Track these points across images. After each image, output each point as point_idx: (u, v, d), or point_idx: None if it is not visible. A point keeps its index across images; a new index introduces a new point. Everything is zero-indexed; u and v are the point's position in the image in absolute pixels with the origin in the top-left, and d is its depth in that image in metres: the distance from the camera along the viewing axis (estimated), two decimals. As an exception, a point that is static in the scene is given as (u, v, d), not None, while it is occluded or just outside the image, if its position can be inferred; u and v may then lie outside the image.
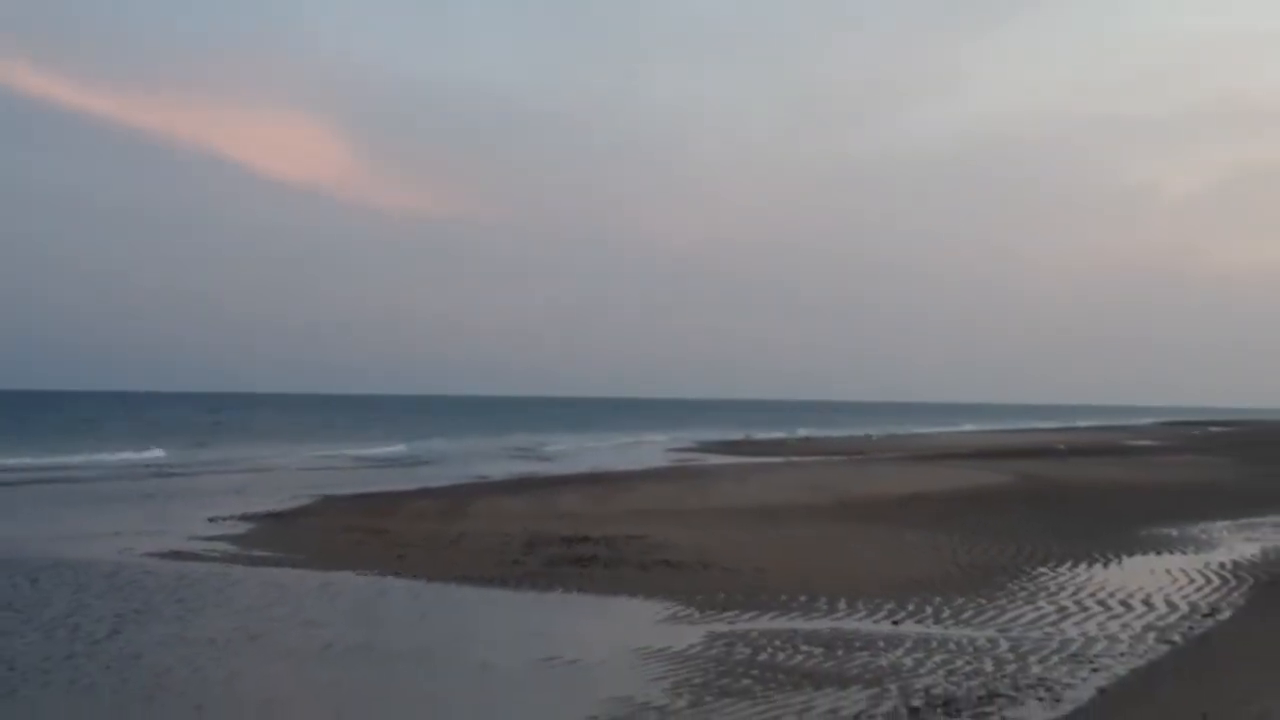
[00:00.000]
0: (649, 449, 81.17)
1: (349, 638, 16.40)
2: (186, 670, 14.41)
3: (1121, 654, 15.60)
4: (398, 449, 76.71)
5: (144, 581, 20.67)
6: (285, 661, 15.12)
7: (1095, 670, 14.59)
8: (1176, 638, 16.74)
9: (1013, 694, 13.26)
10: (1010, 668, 14.61)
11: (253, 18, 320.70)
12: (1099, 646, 16.03)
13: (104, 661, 14.75)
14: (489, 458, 68.52)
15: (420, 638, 16.55)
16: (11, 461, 55.58)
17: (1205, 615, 18.53)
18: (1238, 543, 27.63)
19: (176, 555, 24.00)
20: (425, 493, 40.84)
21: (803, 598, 19.33)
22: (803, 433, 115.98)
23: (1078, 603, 19.42)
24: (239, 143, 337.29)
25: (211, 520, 30.73)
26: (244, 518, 31.35)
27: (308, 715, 13.04)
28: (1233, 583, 21.70)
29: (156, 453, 66.19)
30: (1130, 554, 25.37)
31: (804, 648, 15.63)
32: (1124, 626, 17.50)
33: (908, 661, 14.88)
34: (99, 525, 29.32)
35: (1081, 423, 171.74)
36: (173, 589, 20.01)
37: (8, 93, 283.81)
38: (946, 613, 18.28)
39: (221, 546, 25.59)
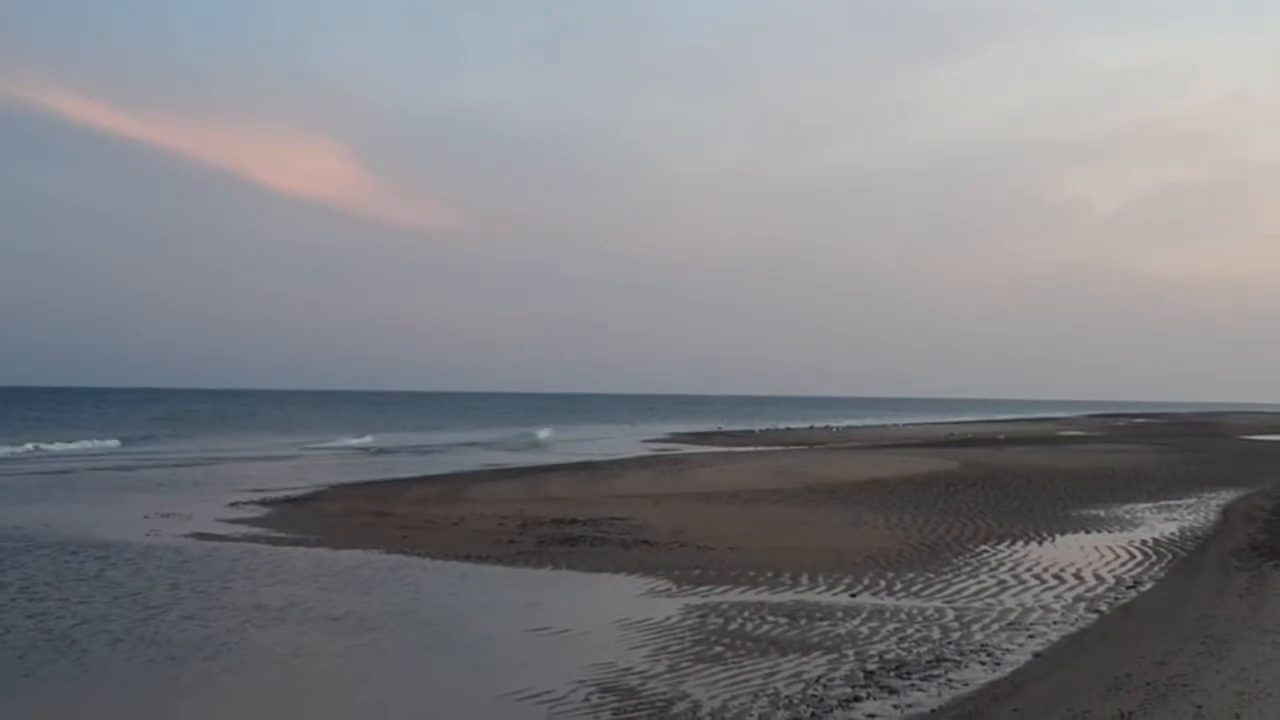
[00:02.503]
0: (627, 440, 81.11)
1: (361, 608, 16.43)
2: (231, 636, 14.51)
3: (1055, 622, 15.74)
4: (396, 439, 76.77)
5: (175, 558, 20.67)
6: (307, 626, 15.17)
7: (1031, 637, 14.72)
8: (1104, 607, 16.89)
9: (958, 659, 13.37)
10: (955, 635, 14.72)
11: (272, 48, 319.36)
12: (1035, 615, 16.17)
13: (164, 626, 14.87)
14: (482, 447, 68.50)
15: (424, 609, 16.58)
16: (55, 448, 55.40)
17: (1129, 587, 18.69)
18: (1158, 522, 27.81)
19: (202, 536, 23.97)
20: (426, 480, 40.79)
21: (769, 573, 19.42)
22: (769, 425, 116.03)
23: (1016, 576, 19.55)
24: (258, 162, 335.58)
25: (232, 504, 30.69)
26: (262, 502, 31.31)
27: (329, 671, 13.10)
28: (1154, 558, 21.87)
29: (183, 444, 66.11)
30: (1062, 532, 25.53)
31: (770, 618, 15.72)
32: (1057, 597, 17.64)
33: (863, 630, 14.99)
34: (130, 509, 29.19)
35: (1018, 415, 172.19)
36: (203, 565, 20.02)
37: (48, 118, 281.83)
38: (899, 585, 18.39)
39: (243, 528, 25.55)
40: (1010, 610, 16.50)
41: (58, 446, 59.45)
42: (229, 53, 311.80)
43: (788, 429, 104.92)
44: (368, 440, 74.55)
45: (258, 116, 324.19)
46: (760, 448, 68.13)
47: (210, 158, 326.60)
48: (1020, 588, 18.43)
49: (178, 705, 11.83)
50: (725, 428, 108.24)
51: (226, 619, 15.68)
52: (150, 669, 13.09)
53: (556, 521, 26.37)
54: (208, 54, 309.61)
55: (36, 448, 57.10)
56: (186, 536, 23.84)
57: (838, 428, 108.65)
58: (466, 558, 21.26)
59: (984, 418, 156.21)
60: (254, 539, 23.70)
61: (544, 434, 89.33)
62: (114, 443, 66.11)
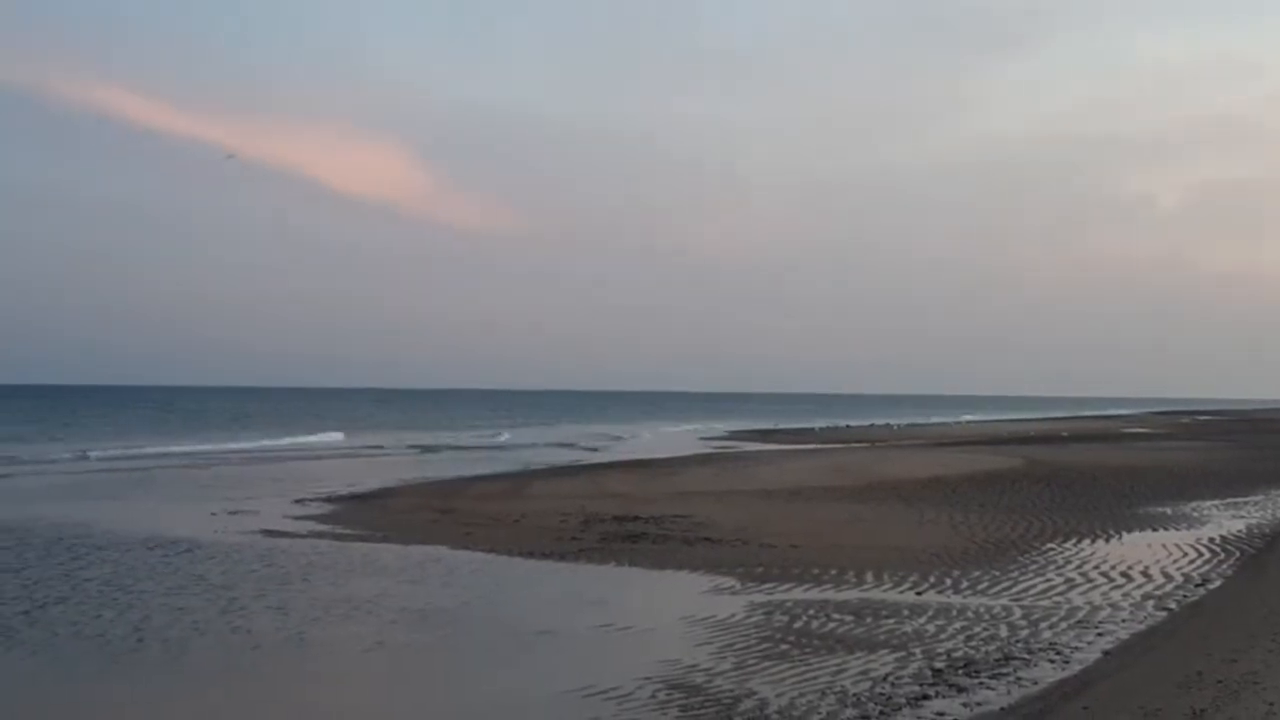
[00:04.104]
0: (686, 437, 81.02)
1: (431, 603, 16.59)
2: (313, 628, 14.72)
3: (1123, 620, 15.56)
4: (462, 437, 77.29)
5: (246, 554, 20.90)
6: (380, 620, 15.34)
7: (1100, 635, 14.56)
8: (1172, 605, 16.69)
9: (1026, 657, 13.24)
10: (1023, 633, 14.58)
11: (330, 50, 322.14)
12: (1103, 613, 15.99)
13: (259, 615, 15.08)
14: (545, 445, 68.67)
15: (490, 604, 16.70)
16: (124, 451, 56.20)
17: (1198, 585, 18.45)
18: (1225, 519, 27.44)
19: (270, 533, 24.19)
20: (489, 477, 40.98)
21: (833, 570, 19.33)
22: (829, 423, 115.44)
23: (1083, 574, 19.34)
24: (314, 161, 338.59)
25: (298, 501, 30.97)
26: (327, 499, 31.58)
27: (405, 662, 13.26)
28: (1221, 555, 21.57)
29: (262, 441, 66.88)
30: (1129, 530, 25.23)
31: (836, 616, 15.65)
32: (1125, 595, 17.44)
33: (930, 628, 14.88)
34: (200, 507, 29.49)
35: (1080, 412, 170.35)
36: (277, 561, 20.25)
37: (116, 121, 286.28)
38: (965, 584, 18.24)
39: (310, 524, 25.80)
40: (1078, 608, 16.31)
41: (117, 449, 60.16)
42: (285, 52, 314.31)
43: (848, 427, 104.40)
44: (334, 438, 74.49)
45: (313, 115, 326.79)
46: (820, 445, 67.83)
47: (267, 156, 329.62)
48: (1088, 586, 18.22)
49: (261, 692, 11.98)
50: (784, 425, 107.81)
51: (307, 612, 15.93)
52: (235, 657, 13.35)
53: (618, 518, 26.39)
54: (264, 53, 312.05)
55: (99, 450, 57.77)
56: (255, 533, 24.09)
57: (899, 425, 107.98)
58: (530, 554, 21.33)
59: (1046, 415, 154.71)
60: (320, 535, 23.94)
61: (603, 432, 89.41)
62: (183, 441, 66.98)
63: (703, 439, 78.69)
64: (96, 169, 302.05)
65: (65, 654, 13.60)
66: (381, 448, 64.40)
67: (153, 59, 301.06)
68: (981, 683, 12.00)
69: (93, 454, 53.59)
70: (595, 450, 63.73)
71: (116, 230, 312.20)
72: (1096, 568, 20.03)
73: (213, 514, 27.67)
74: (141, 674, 12.84)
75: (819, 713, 10.95)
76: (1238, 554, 21.74)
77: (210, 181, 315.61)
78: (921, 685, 11.91)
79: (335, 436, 75.26)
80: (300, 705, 11.81)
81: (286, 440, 69.59)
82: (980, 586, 18.03)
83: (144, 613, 15.81)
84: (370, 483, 37.54)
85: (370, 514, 27.97)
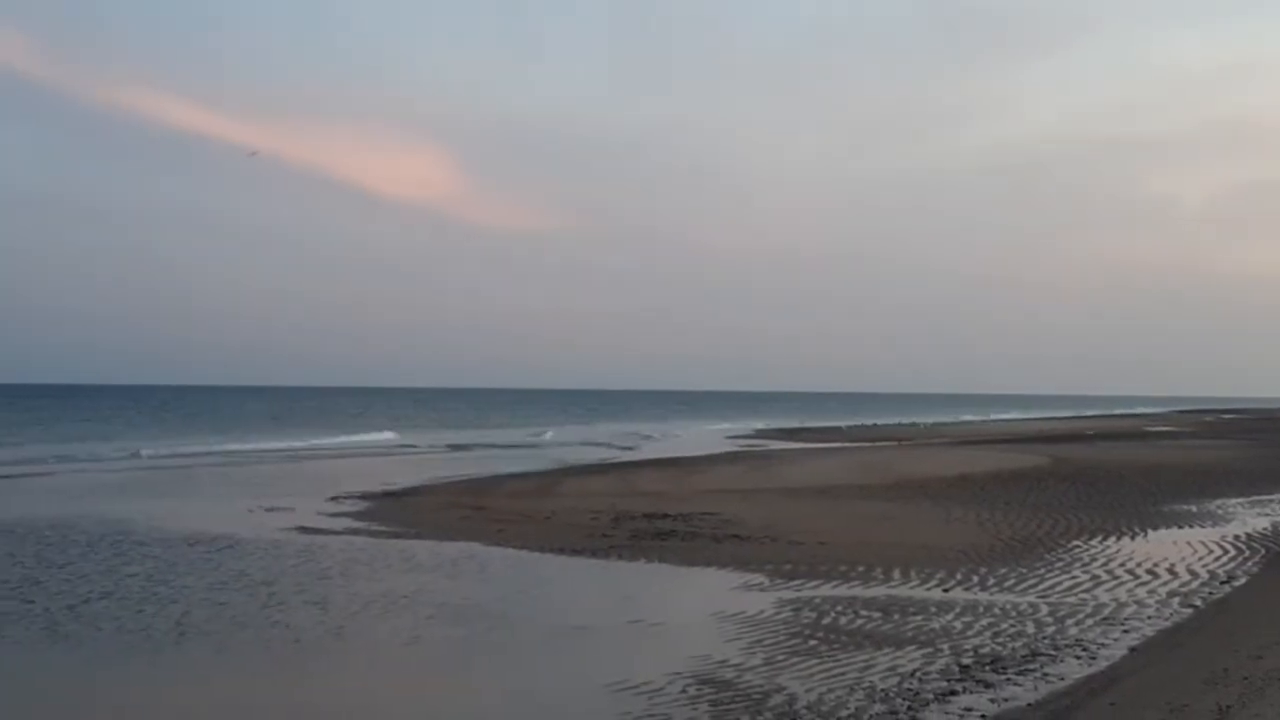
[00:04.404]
0: (712, 436, 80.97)
1: (463, 598, 16.77)
2: (351, 623, 14.90)
3: (1149, 617, 15.59)
4: (508, 435, 77.84)
5: (282, 551, 21.12)
6: (416, 616, 15.52)
7: (1126, 631, 14.60)
8: (1198, 602, 16.70)
9: (1053, 653, 13.30)
10: (1050, 630, 14.64)
11: (366, 53, 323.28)
12: (1129, 610, 16.02)
13: (299, 609, 15.28)
14: (577, 444, 68.84)
15: (522, 600, 16.84)
16: (179, 448, 56.79)
17: (1223, 582, 18.45)
18: (1250, 517, 27.40)
19: (305, 530, 24.41)
20: (520, 475, 41.16)
21: (861, 567, 19.41)
22: (856, 421, 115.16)
23: (1109, 571, 19.36)
24: (354, 165, 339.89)
25: (332, 499, 31.21)
26: (361, 496, 31.81)
27: (442, 657, 13.54)
28: (1247, 553, 21.54)
29: (285, 440, 67.32)
30: (1154, 527, 25.21)
31: (864, 612, 15.73)
32: (1151, 592, 17.46)
33: (957, 624, 14.95)
34: (238, 504, 29.75)
35: (1105, 411, 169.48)
36: (313, 557, 20.45)
37: (154, 123, 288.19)
38: (991, 580, 18.29)
39: (345, 521, 26.02)
40: (1104, 605, 16.35)
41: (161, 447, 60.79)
42: (321, 56, 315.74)
43: (875, 425, 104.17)
44: (386, 436, 75.49)
45: (348, 118, 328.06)
46: (848, 444, 67.79)
47: (310, 161, 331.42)
48: (1114, 583, 18.24)
49: (302, 685, 12.19)
50: (811, 424, 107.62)
51: (346, 607, 16.14)
52: (276, 651, 13.56)
53: (648, 516, 26.50)
54: (303, 58, 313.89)
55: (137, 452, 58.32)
56: (291, 530, 24.31)
57: (925, 424, 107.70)
58: (561, 551, 21.47)
59: (1072, 414, 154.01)
60: (355, 532, 24.14)
61: (630, 431, 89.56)
62: (233, 440, 67.85)
63: (730, 438, 78.70)
64: (138, 171, 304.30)
65: (108, 647, 13.83)
66: (416, 446, 64.71)
67: (190, 62, 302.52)
68: (1009, 679, 12.07)
69: (144, 452, 54.48)
70: (625, 449, 63.82)
71: (158, 232, 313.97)
72: (1122, 565, 20.04)
73: (249, 511, 27.92)
74: (184, 667, 13.06)
75: (847, 708, 11.04)
76: (1263, 551, 21.71)
77: (248, 184, 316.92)
78: (949, 681, 11.98)
79: (388, 435, 76.13)
80: (340, 698, 11.99)
81: (342, 439, 70.51)
82: (1007, 583, 18.08)
83: (185, 607, 16.06)
84: (403, 480, 37.78)
85: (403, 511, 28.18)
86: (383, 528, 24.79)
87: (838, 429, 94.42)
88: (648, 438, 78.97)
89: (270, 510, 28.06)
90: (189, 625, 14.94)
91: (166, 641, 14.12)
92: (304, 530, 24.30)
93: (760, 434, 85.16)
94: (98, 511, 27.48)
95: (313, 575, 18.73)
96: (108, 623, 15.09)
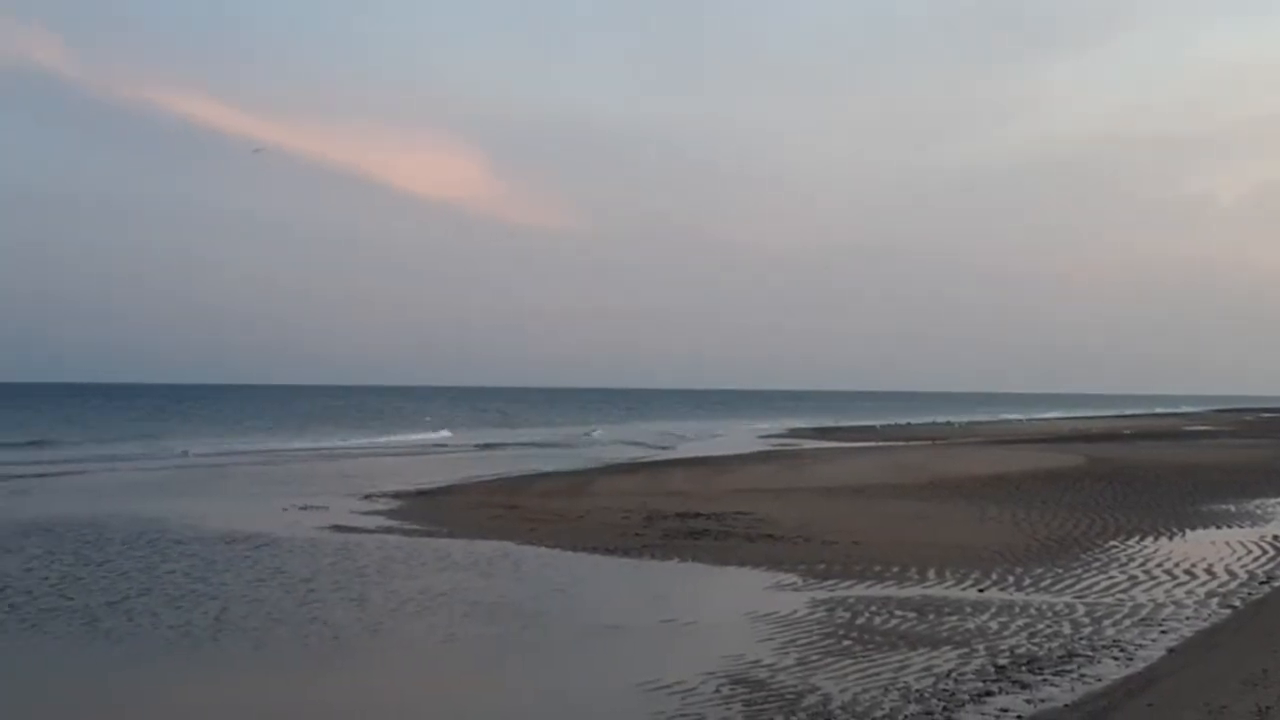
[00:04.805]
0: (745, 435, 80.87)
1: (498, 596, 16.84)
2: (390, 620, 14.96)
3: (1187, 617, 15.47)
4: (514, 434, 78.21)
5: (319, 549, 21.26)
6: (453, 613, 15.60)
7: (1164, 632, 14.49)
8: (1236, 603, 16.56)
9: (1089, 654, 13.21)
10: (1087, 630, 14.53)
11: (398, 55, 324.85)
12: (1167, 611, 15.90)
13: (337, 607, 15.40)
14: (610, 443, 68.89)
15: (555, 599, 16.87)
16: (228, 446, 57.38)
17: (1262, 582, 18.29)
18: (1291, 517, 27.14)
19: (339, 528, 24.51)
20: (552, 474, 41.21)
21: (895, 567, 19.33)
22: (890, 420, 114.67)
23: (1146, 571, 19.21)
24: (388, 164, 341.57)
25: (366, 497, 31.32)
26: (395, 495, 31.93)
27: (477, 655, 13.62)
28: (1289, 554, 21.34)
29: (322, 439, 67.95)
30: (1192, 527, 25.01)
31: (898, 612, 15.67)
32: (1189, 593, 17.32)
33: (993, 625, 14.86)
34: (274, 502, 29.93)
35: (1142, 410, 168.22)
36: (349, 555, 20.56)
37: (190, 123, 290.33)
38: (1027, 581, 18.18)
39: (379, 520, 26.13)
40: (1142, 606, 16.22)
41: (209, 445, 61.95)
42: (353, 57, 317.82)
43: (908, 424, 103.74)
44: (443, 435, 76.28)
45: (382, 119, 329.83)
46: (881, 443, 67.53)
47: (341, 160, 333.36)
48: (1151, 583, 18.10)
49: (340, 681, 12.24)
50: (844, 423, 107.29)
51: (384, 604, 16.24)
52: (314, 647, 13.67)
53: (680, 515, 26.47)
54: (336, 59, 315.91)
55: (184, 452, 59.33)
56: (326, 528, 24.42)
57: (960, 423, 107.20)
58: (594, 550, 21.48)
59: (1108, 413, 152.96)
60: (388, 531, 24.24)
61: (663, 430, 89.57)
62: (268, 439, 68.88)
63: (762, 437, 78.56)
64: (167, 170, 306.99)
65: (148, 643, 13.98)
66: (445, 446, 64.91)
67: (219, 61, 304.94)
68: (1045, 679, 11.99)
69: (192, 451, 55.39)
70: (658, 448, 63.80)
71: (198, 232, 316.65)
72: (1160, 565, 19.88)
73: (284, 510, 28.07)
74: (223, 662, 13.17)
75: (882, 708, 10.99)
76: (1304, 552, 21.50)
77: (283, 185, 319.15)
78: (985, 682, 11.91)
79: (444, 434, 77.28)
80: (378, 694, 12.04)
81: (399, 437, 71.95)
82: (1043, 584, 17.96)
83: (224, 604, 16.23)
84: (437, 479, 37.91)
85: (436, 510, 28.26)
86: (415, 526, 24.87)
87: (871, 428, 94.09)
88: (681, 437, 78.91)
89: (304, 509, 28.22)
90: (228, 621, 15.08)
91: (205, 637, 14.26)
92: (338, 529, 24.40)
93: (793, 433, 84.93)
94: (136, 510, 27.73)
95: (349, 573, 18.83)
96: (146, 618, 15.26)
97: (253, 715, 11.24)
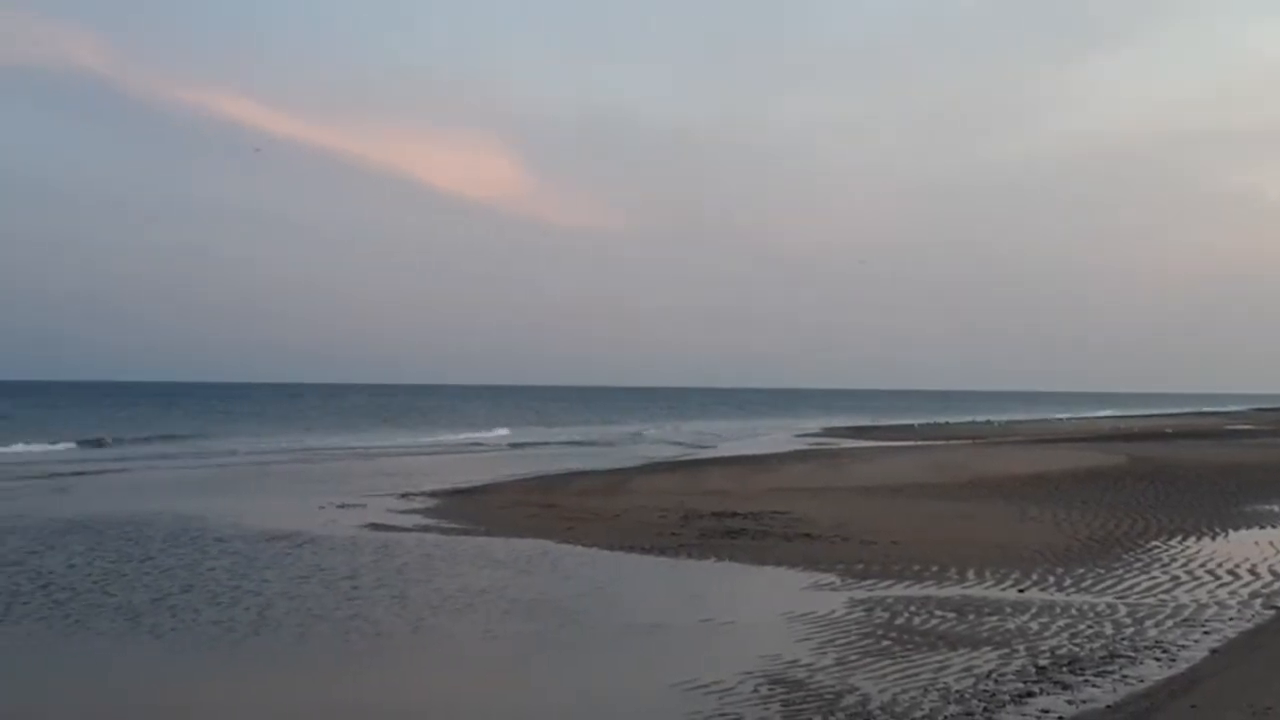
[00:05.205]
0: (781, 434, 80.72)
1: (538, 594, 16.91)
2: (431, 617, 15.03)
3: (1231, 618, 15.32)
4: (547, 433, 78.58)
5: (359, 547, 21.37)
6: (491, 612, 15.63)
7: (1207, 633, 14.35)
8: (1281, 604, 16.40)
9: (1132, 655, 13.10)
10: (1129, 631, 14.42)
11: (433, 50, 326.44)
12: (1210, 612, 15.75)
13: (379, 604, 15.50)
14: (642, 442, 68.99)
15: (593, 597, 16.91)
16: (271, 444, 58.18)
17: (1309, 584, 18.09)
18: (1337, 517, 26.84)
19: (377, 526, 24.64)
20: (588, 473, 41.28)
21: (934, 567, 19.25)
22: (928, 419, 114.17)
23: (1189, 572, 19.05)
24: (424, 163, 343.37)
25: (403, 496, 31.46)
26: (431, 494, 32.05)
27: (516, 653, 13.65)
28: (1334, 555, 21.10)
29: (360, 437, 68.67)
30: (1235, 528, 24.77)
31: (938, 613, 15.59)
32: (1232, 593, 17.16)
33: (1034, 625, 14.77)
34: (311, 501, 30.07)
35: (1184, 409, 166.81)
36: (391, 553, 20.67)
37: (230, 125, 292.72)
38: (1068, 581, 18.06)
39: (416, 518, 26.24)
40: (1184, 606, 16.08)
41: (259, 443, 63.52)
42: (388, 53, 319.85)
43: (947, 423, 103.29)
44: (500, 433, 77.18)
45: (422, 119, 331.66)
46: (919, 442, 67.24)
47: (375, 159, 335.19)
48: (1194, 584, 17.94)
49: (382, 678, 12.30)
50: (882, 422, 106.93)
51: (426, 601, 16.33)
52: (357, 644, 13.74)
53: (717, 514, 26.45)
54: (371, 57, 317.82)
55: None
56: (363, 527, 24.54)
57: (999, 422, 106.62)
58: (632, 549, 21.50)
59: (1149, 411, 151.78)
60: (425, 529, 24.32)
61: (698, 429, 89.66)
62: (306, 437, 70.42)
63: (799, 436, 78.39)
64: (211, 173, 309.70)
65: (190, 639, 14.11)
66: (481, 445, 65.13)
67: (258, 63, 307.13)
68: (1087, 680, 11.90)
69: (241, 449, 56.80)
70: (695, 447, 63.79)
71: (229, 232, 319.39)
72: (1203, 565, 19.71)
73: (321, 508, 28.22)
74: (266, 658, 13.30)
75: (922, 709, 10.94)
76: (1350, 553, 21.25)
77: (317, 184, 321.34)
78: (1025, 682, 11.84)
79: (502, 432, 78.59)
80: (420, 690, 12.14)
81: (464, 435, 73.71)
82: (1084, 584, 17.84)
83: (267, 600, 16.37)
84: (474, 478, 38.02)
85: (474, 509, 28.36)
86: (453, 525, 24.96)
87: (909, 427, 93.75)
88: (717, 436, 78.90)
89: (342, 507, 28.37)
90: (270, 618, 15.21)
91: (249, 633, 14.40)
92: (375, 527, 24.52)
93: (829, 432, 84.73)
94: (177, 508, 27.97)
95: (390, 571, 18.94)
96: (188, 614, 15.41)
97: (297, 710, 11.33)
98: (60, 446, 56.56)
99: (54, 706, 11.50)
